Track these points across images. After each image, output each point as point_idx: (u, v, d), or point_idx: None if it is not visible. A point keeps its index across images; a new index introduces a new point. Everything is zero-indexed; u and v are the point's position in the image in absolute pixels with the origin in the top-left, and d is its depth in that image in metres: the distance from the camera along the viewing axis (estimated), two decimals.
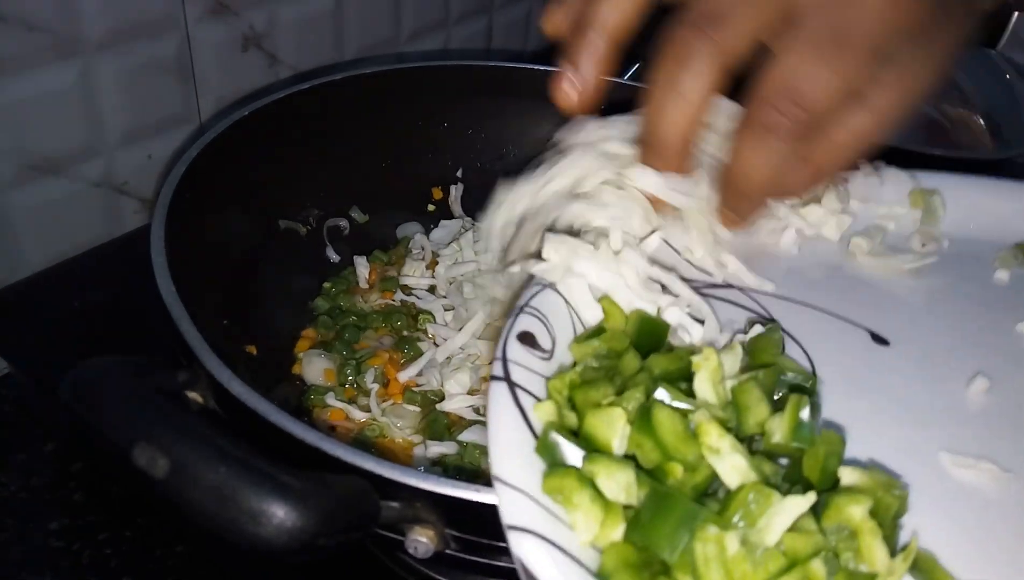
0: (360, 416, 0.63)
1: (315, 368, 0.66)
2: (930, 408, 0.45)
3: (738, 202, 0.50)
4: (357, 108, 0.76)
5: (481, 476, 0.57)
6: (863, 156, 0.49)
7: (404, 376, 0.65)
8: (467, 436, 0.60)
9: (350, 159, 0.76)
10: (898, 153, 0.62)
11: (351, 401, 0.63)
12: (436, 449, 0.60)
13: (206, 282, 0.58)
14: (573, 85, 0.49)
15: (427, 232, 0.82)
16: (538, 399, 0.40)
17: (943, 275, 0.55)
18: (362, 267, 0.75)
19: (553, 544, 0.33)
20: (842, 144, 0.47)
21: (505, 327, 0.43)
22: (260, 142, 0.66)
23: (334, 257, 0.76)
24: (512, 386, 0.40)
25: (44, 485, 0.60)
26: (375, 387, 0.64)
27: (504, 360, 0.41)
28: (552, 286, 0.46)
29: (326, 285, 0.73)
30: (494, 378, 0.39)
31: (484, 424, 0.61)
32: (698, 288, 0.50)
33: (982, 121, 1.16)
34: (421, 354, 0.67)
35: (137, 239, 0.84)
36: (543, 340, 0.43)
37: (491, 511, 0.36)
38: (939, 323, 0.51)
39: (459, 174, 0.84)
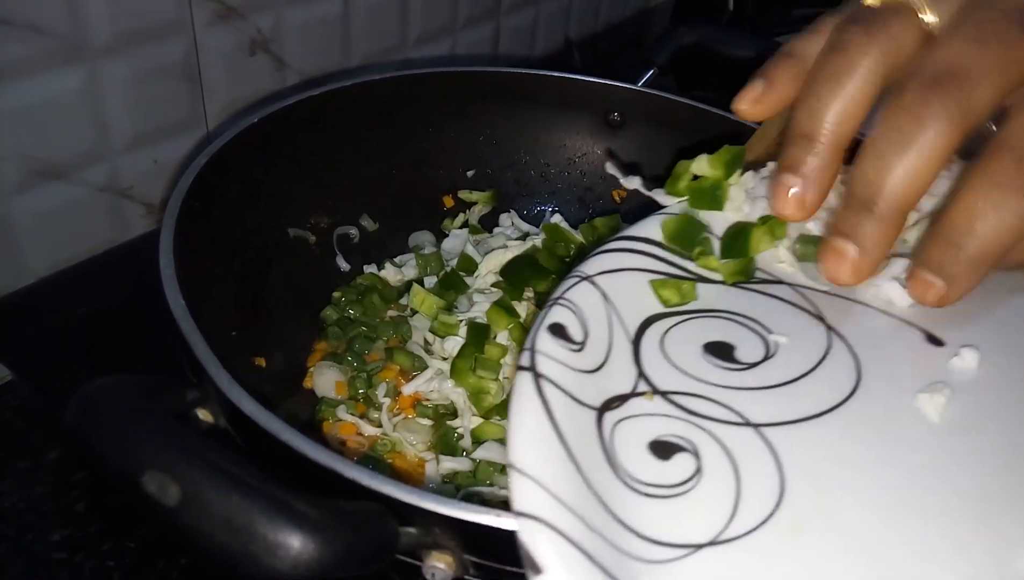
0: (371, 431, 0.61)
1: (326, 380, 0.64)
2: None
3: (956, 266, 0.41)
4: (367, 114, 0.75)
5: (496, 497, 0.56)
6: None
7: (410, 389, 0.64)
8: (480, 453, 0.59)
9: (360, 166, 0.76)
10: None
11: (362, 415, 0.62)
12: (448, 465, 0.59)
13: (214, 293, 0.57)
14: (801, 199, 0.43)
15: (438, 240, 0.81)
16: (564, 392, 0.39)
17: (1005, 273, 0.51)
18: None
19: (563, 535, 0.33)
20: None
21: (538, 318, 0.42)
22: (269, 149, 0.66)
23: (344, 266, 0.75)
24: (537, 376, 0.39)
25: (46, 494, 0.59)
26: (386, 401, 0.63)
27: (532, 351, 0.40)
28: (589, 279, 0.45)
29: (336, 294, 0.72)
30: (521, 368, 0.39)
31: (499, 442, 0.60)
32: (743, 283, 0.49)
33: None
34: (427, 367, 0.65)
35: (142, 245, 0.83)
36: (575, 332, 0.42)
37: (511, 537, 0.35)
38: (1000, 326, 0.48)
39: (470, 177, 0.84)
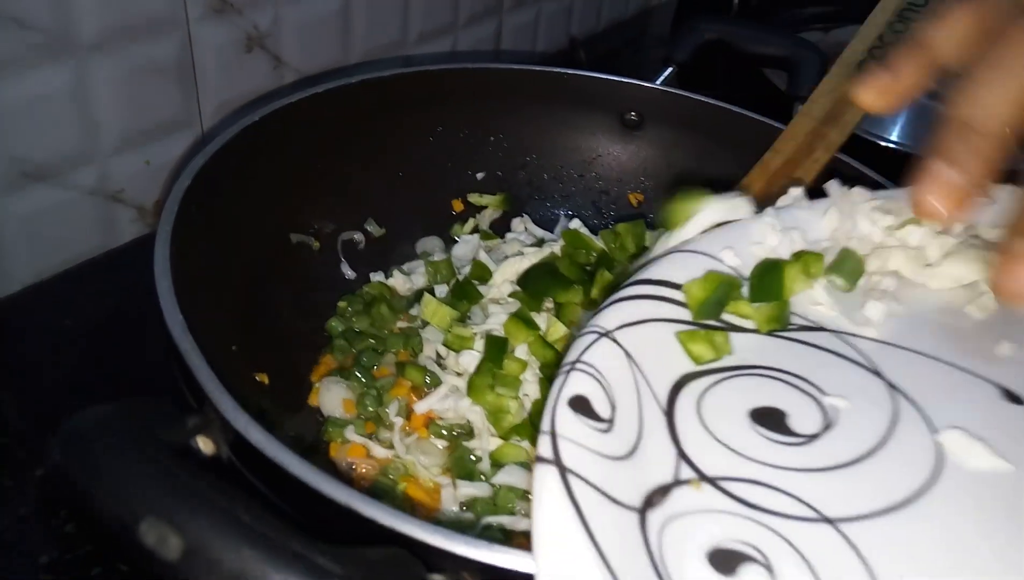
0: (382, 453, 0.57)
1: (333, 397, 0.61)
2: None
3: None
4: (372, 113, 0.73)
5: (519, 527, 0.53)
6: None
7: (423, 407, 0.60)
8: (501, 478, 0.55)
9: (365, 168, 0.73)
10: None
11: (372, 436, 0.59)
12: (466, 491, 0.55)
13: (213, 305, 0.54)
14: (954, 191, 0.39)
15: (447, 247, 0.78)
16: (597, 490, 0.33)
17: None
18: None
19: None
20: None
21: (553, 390, 0.36)
22: (271, 149, 0.63)
23: (349, 274, 0.72)
24: (564, 472, 0.33)
25: (32, 514, 0.57)
26: (399, 421, 0.59)
27: (553, 435, 0.34)
28: (608, 335, 0.40)
29: (341, 304, 0.69)
30: (541, 459, 0.33)
31: (521, 465, 0.56)
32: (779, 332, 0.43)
33: None
34: (440, 383, 0.62)
35: (134, 250, 0.81)
36: (600, 406, 0.36)
37: None
38: None
39: (480, 180, 0.81)
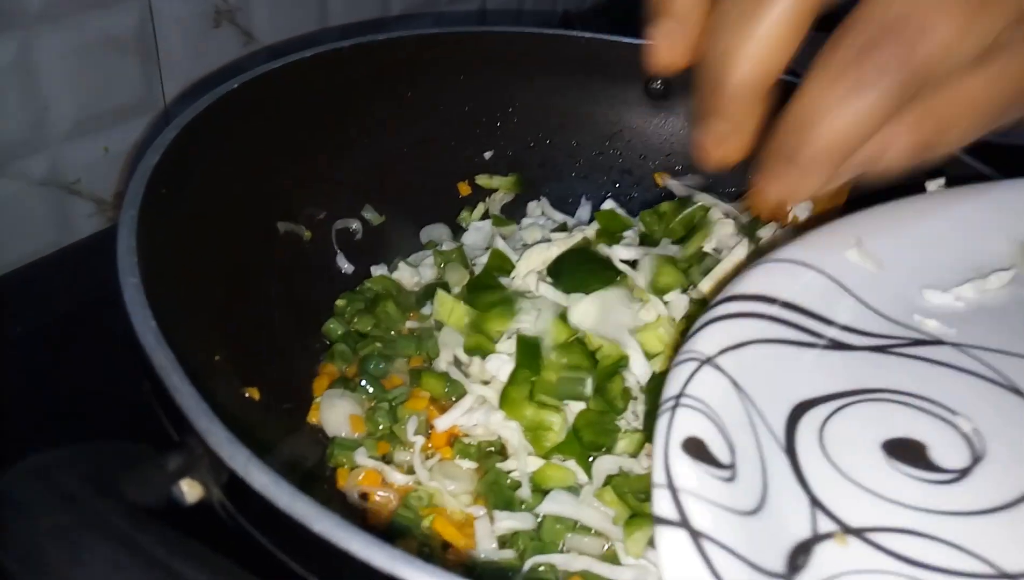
0: (400, 480, 0.50)
1: (337, 414, 0.53)
2: None
3: (797, 168, 0.39)
4: (365, 84, 0.67)
5: (573, 567, 0.45)
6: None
7: (445, 422, 0.52)
8: (547, 507, 0.47)
9: (359, 147, 0.67)
10: None
11: (386, 458, 0.52)
12: (505, 523, 0.47)
13: (189, 307, 0.47)
14: (726, 143, 0.43)
15: (455, 234, 0.71)
16: (735, 555, 0.29)
17: None
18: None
19: None
20: (954, 111, 0.38)
21: (659, 431, 0.32)
22: (250, 125, 0.58)
23: (347, 267, 0.65)
24: (695, 537, 0.29)
25: None
26: (418, 440, 0.51)
27: (672, 489, 0.30)
28: (711, 362, 0.35)
29: (339, 303, 0.62)
30: (663, 521, 0.29)
31: (569, 489, 0.48)
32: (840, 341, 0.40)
33: None
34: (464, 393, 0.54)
35: (92, 248, 0.77)
36: (718, 449, 0.33)
37: None
38: None
39: (488, 160, 0.75)
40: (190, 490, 0.32)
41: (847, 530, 0.32)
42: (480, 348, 0.54)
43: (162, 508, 0.29)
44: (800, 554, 0.31)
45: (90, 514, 0.24)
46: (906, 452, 0.35)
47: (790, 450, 0.35)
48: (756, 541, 0.30)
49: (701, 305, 0.54)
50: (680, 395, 0.34)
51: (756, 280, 0.42)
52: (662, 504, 0.29)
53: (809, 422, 0.36)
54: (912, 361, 0.39)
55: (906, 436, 0.36)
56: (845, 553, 0.31)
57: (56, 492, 0.24)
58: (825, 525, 0.32)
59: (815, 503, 0.33)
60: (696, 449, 0.32)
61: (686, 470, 0.31)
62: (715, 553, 0.28)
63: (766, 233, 0.61)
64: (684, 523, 0.29)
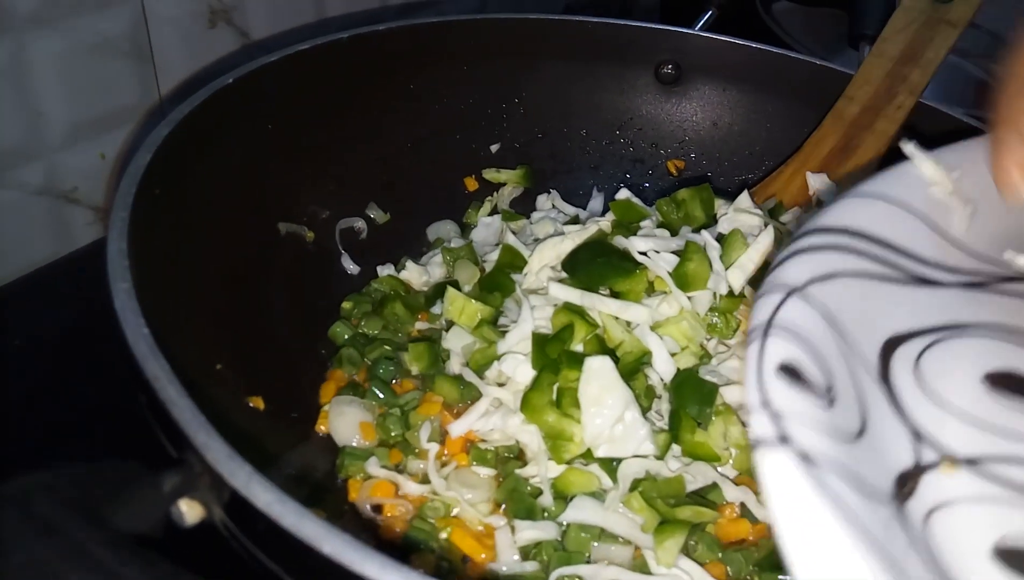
0: (415, 490, 0.48)
1: (347, 422, 0.51)
2: None
3: None
4: (366, 77, 0.66)
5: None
6: None
7: (460, 428, 0.50)
8: (571, 515, 0.45)
9: (361, 142, 0.67)
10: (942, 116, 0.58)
11: (400, 467, 0.50)
12: (527, 534, 0.45)
13: (187, 314, 0.46)
14: None
15: (464, 232, 0.70)
16: (842, 477, 0.28)
17: None
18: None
19: None
20: None
21: (750, 356, 0.31)
22: (247, 120, 0.57)
23: (352, 268, 0.64)
24: (801, 457, 0.28)
25: None
26: (432, 447, 0.49)
27: (770, 411, 0.29)
28: (799, 292, 0.35)
29: (345, 305, 0.60)
30: (763, 443, 0.28)
31: (592, 495, 0.46)
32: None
33: None
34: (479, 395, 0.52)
35: (91, 257, 0.72)
36: (813, 375, 0.31)
37: None
38: None
39: (495, 153, 0.73)
40: (190, 510, 0.30)
41: (954, 460, 0.32)
42: (482, 361, 0.52)
43: (157, 532, 0.27)
44: (906, 481, 0.31)
45: (70, 546, 0.22)
46: (1009, 384, 0.36)
47: (885, 382, 0.35)
48: (861, 466, 0.30)
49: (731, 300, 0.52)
50: (770, 322, 0.33)
51: (841, 213, 0.41)
52: (759, 425, 0.29)
53: (903, 356, 0.36)
54: (1004, 297, 0.40)
55: (1009, 369, 0.36)
56: (953, 482, 0.32)
57: (34, 521, 0.22)
58: (928, 455, 0.32)
59: (917, 433, 0.33)
60: (791, 374, 0.31)
61: (783, 394, 0.30)
62: (822, 474, 0.28)
63: (789, 219, 0.60)
64: (787, 443, 0.28)
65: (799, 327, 0.33)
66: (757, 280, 0.53)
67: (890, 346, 0.37)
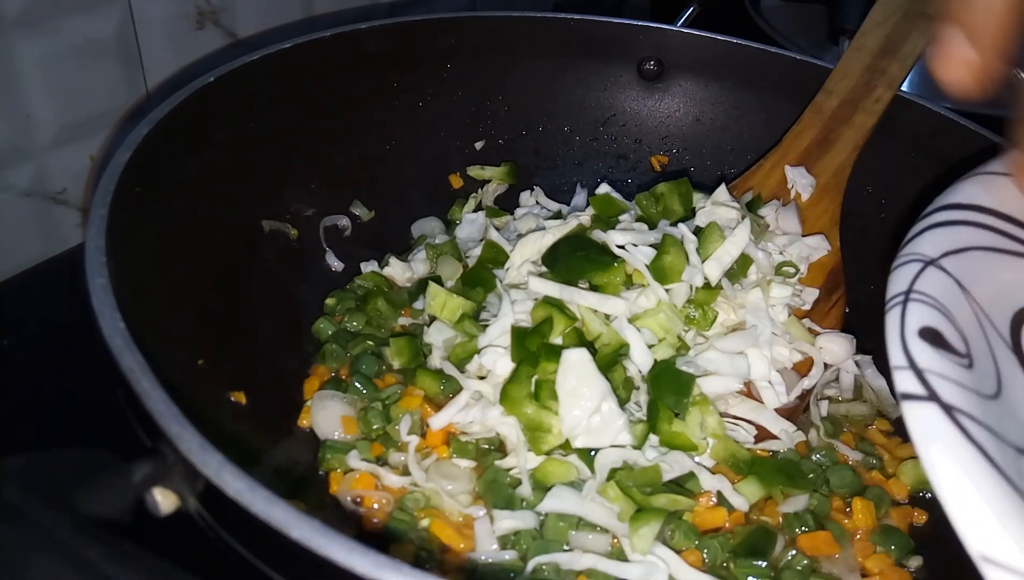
0: (395, 481, 0.48)
1: (329, 416, 0.52)
2: None
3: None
4: (350, 75, 0.66)
5: (576, 568, 0.44)
6: None
7: (440, 421, 0.51)
8: (549, 504, 0.45)
9: (345, 140, 0.67)
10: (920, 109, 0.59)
11: (381, 460, 0.50)
12: (506, 523, 0.45)
13: (169, 310, 0.46)
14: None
15: (448, 228, 0.70)
16: (988, 430, 0.31)
17: None
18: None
19: None
20: None
21: (891, 322, 0.34)
22: (229, 118, 0.57)
23: (336, 265, 0.65)
24: (949, 411, 0.30)
25: None
26: (413, 440, 0.50)
27: (916, 370, 0.31)
28: (935, 264, 0.37)
29: (329, 301, 0.61)
30: (911, 397, 0.31)
31: (571, 485, 0.47)
32: None
33: None
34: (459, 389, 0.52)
35: (79, 259, 0.74)
36: (954, 339, 0.34)
37: None
38: None
39: (479, 150, 0.74)
40: (164, 499, 0.30)
41: None
42: (462, 356, 0.52)
43: (125, 518, 0.27)
44: None
45: (33, 527, 0.22)
46: None
47: (1018, 350, 0.37)
48: (998, 421, 0.32)
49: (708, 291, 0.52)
50: (910, 290, 0.35)
51: (972, 190, 0.43)
52: (905, 382, 0.31)
53: None
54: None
55: None
56: None
57: (1, 506, 0.23)
58: None
59: None
60: (933, 337, 0.33)
61: (926, 354, 0.32)
62: (970, 425, 0.30)
63: (768, 212, 0.60)
64: (934, 397, 0.30)
65: (938, 295, 0.35)
66: (734, 273, 0.54)
67: (1020, 317, 0.39)
